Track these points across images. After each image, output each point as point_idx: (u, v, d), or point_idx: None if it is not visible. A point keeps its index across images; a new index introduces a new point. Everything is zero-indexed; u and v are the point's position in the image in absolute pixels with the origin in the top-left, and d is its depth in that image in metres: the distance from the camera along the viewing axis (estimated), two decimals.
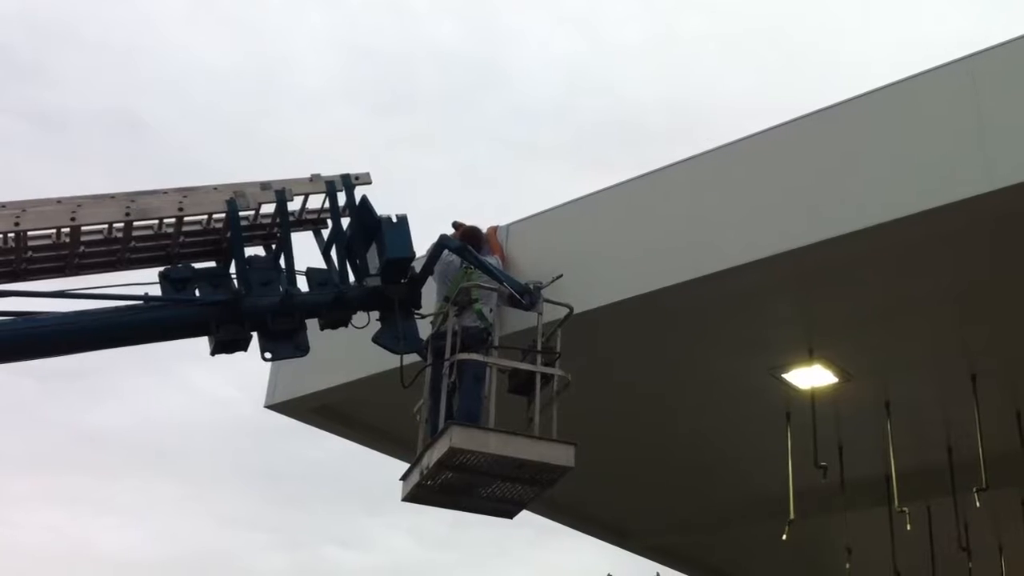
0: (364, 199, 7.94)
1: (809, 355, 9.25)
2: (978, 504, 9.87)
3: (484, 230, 9.11)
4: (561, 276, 8.36)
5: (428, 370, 8.09)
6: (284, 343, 7.54)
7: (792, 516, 10.11)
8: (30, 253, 7.08)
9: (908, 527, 10.54)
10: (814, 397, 9.68)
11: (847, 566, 10.89)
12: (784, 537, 10.21)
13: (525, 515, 8.44)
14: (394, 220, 7.83)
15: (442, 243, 8.16)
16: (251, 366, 8.38)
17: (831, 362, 9.36)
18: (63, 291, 7.21)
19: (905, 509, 10.39)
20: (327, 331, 7.95)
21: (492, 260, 8.51)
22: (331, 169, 7.98)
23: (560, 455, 7.42)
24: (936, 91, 7.41)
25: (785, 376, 9.59)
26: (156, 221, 7.45)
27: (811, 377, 9.57)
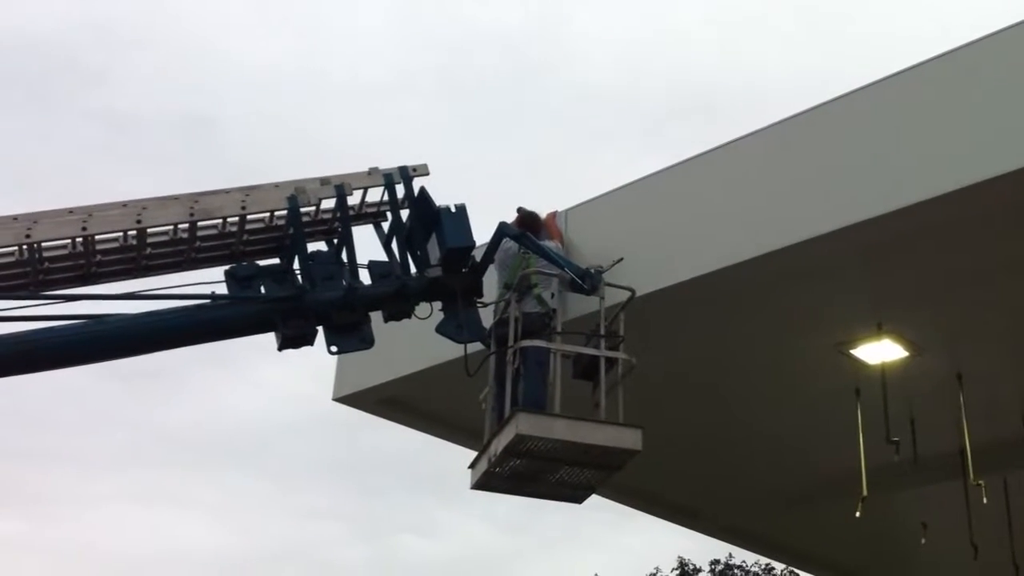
0: (422, 190, 7.97)
1: (878, 330, 9.13)
2: None
3: (543, 216, 9.10)
4: (622, 259, 8.34)
5: (492, 358, 8.12)
6: (349, 336, 7.62)
7: (865, 493, 10.00)
8: (98, 257, 7.22)
9: (984, 500, 10.37)
10: (884, 372, 9.55)
11: (923, 541, 10.76)
12: (858, 514, 10.11)
13: (602, 498, 8.44)
14: (453, 210, 7.85)
15: (501, 231, 8.17)
16: (325, 360, 8.50)
17: (900, 336, 9.22)
18: (132, 292, 7.36)
19: (981, 482, 10.22)
20: (391, 323, 8.01)
21: (551, 245, 8.51)
22: (398, 160, 8.04)
23: (627, 439, 7.42)
24: (1003, 53, 7.25)
25: (853, 352, 9.47)
26: (220, 220, 7.55)
27: (880, 352, 9.44)
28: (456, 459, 8.46)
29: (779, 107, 8.12)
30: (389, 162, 8.01)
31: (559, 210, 9.28)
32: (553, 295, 8.24)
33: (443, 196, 7.94)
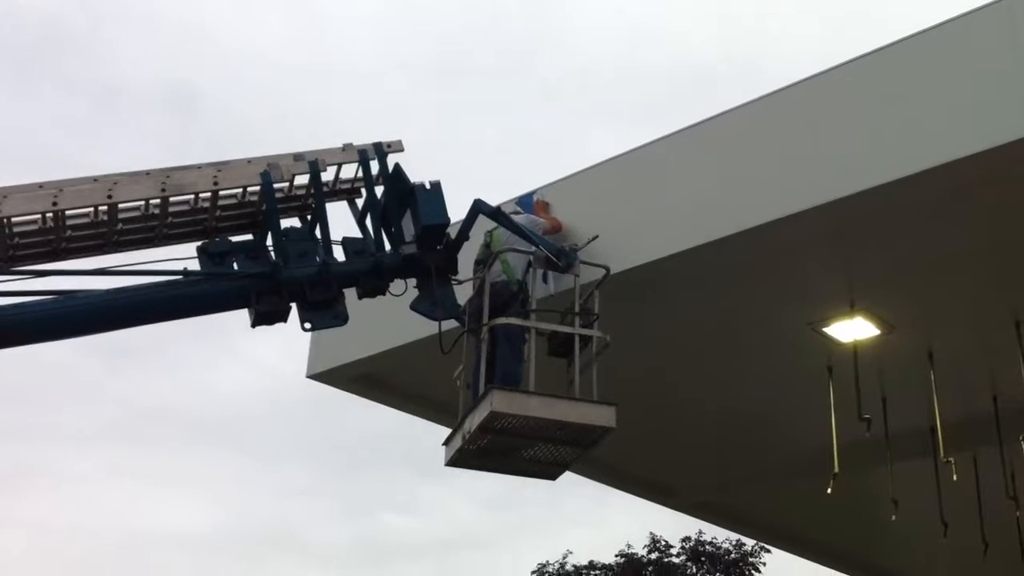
0: (397, 167, 7.93)
1: (850, 308, 9.18)
2: None
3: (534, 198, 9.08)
4: (597, 237, 8.34)
5: (466, 335, 8.11)
6: (323, 313, 7.58)
7: (837, 470, 10.08)
8: (69, 232, 7.14)
9: (954, 477, 10.48)
10: (856, 350, 9.61)
11: (893, 518, 10.85)
12: (829, 491, 10.18)
13: (577, 475, 8.42)
14: (428, 187, 7.81)
15: (476, 208, 8.14)
16: (305, 336, 8.41)
17: (872, 314, 9.27)
18: (103, 268, 7.28)
19: (951, 459, 10.33)
20: (365, 300, 7.98)
21: (520, 219, 8.46)
22: (389, 138, 7.97)
23: (601, 416, 7.43)
24: (973, 34, 7.28)
25: (826, 330, 9.52)
26: (192, 196, 7.48)
27: (852, 330, 9.49)
28: (436, 436, 8.45)
29: (780, 82, 8.04)
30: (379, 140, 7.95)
31: (536, 193, 9.24)
32: (530, 265, 8.18)
33: (434, 174, 7.89)
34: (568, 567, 33.53)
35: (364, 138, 7.91)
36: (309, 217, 7.89)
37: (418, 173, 7.88)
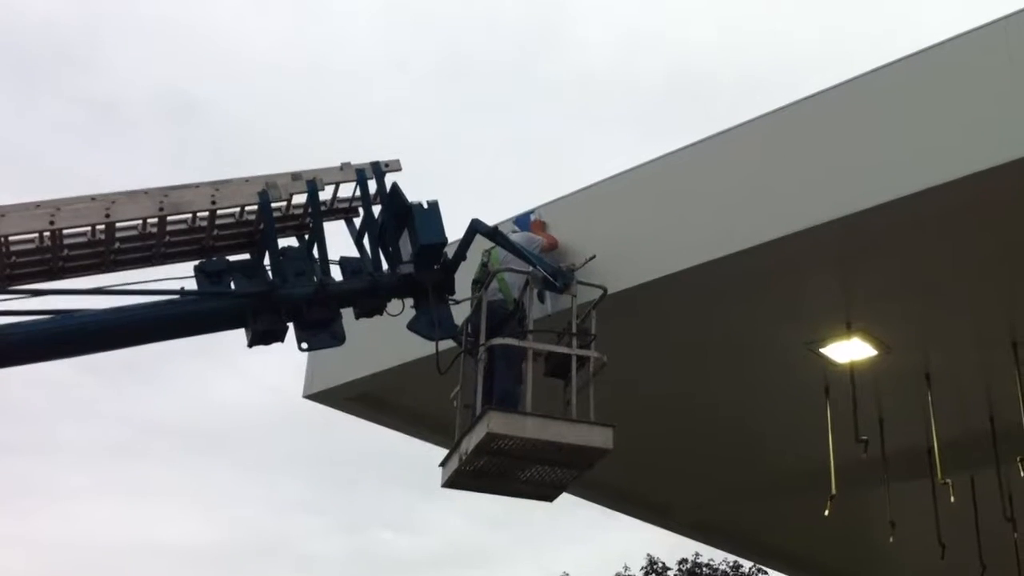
0: (395, 186, 7.93)
1: (847, 328, 9.17)
2: (1022, 473, 9.76)
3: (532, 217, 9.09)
4: (594, 257, 8.34)
5: (464, 355, 8.09)
6: (320, 333, 7.57)
7: (834, 491, 10.05)
8: (66, 251, 7.13)
9: (952, 499, 10.46)
10: (853, 371, 9.60)
11: (891, 540, 10.82)
12: (826, 512, 10.15)
13: (573, 496, 8.39)
14: (425, 206, 7.81)
15: (474, 228, 8.13)
16: (302, 353, 8.41)
17: (869, 335, 9.27)
18: (100, 288, 7.27)
19: (948, 481, 10.31)
20: (363, 320, 7.97)
21: (519, 239, 8.46)
22: (385, 144, 8.03)
23: (598, 438, 7.40)
24: (974, 54, 7.30)
25: (823, 350, 9.51)
26: (190, 215, 7.48)
27: (849, 351, 9.49)
28: (437, 453, 8.43)
29: (781, 90, 8.13)
30: (380, 148, 7.98)
31: (534, 212, 9.25)
32: (527, 283, 8.17)
33: (434, 175, 7.89)
34: None
35: (363, 140, 7.98)
36: (306, 236, 7.89)
37: (418, 174, 7.87)
